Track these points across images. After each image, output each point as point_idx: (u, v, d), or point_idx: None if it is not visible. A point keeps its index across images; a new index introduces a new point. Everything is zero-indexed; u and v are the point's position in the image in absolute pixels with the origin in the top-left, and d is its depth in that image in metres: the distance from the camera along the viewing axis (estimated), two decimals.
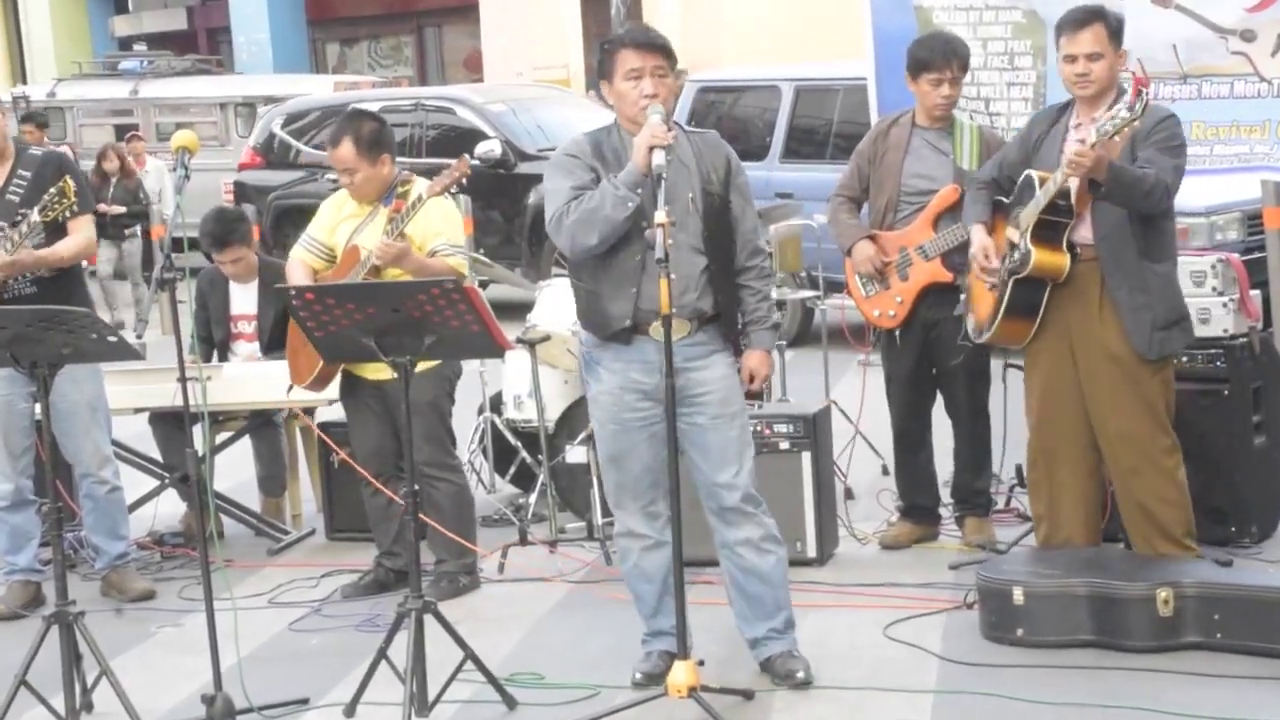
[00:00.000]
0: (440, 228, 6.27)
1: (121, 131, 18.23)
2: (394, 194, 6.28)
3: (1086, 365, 5.72)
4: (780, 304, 7.20)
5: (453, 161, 6.20)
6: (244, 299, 7.58)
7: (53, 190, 5.96)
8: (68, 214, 6.08)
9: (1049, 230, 5.63)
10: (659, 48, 5.11)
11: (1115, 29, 5.65)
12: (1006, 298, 5.75)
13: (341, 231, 6.38)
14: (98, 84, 20.58)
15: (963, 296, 6.23)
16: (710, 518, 5.30)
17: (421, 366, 6.12)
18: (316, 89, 18.20)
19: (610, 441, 5.24)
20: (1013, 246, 5.73)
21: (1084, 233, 5.65)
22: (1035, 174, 5.68)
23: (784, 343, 7.98)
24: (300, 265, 6.42)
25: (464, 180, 6.18)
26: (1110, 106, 5.59)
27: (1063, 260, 5.64)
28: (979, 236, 5.86)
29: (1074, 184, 5.55)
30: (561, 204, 5.11)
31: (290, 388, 6.59)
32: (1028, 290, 5.71)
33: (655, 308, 4.88)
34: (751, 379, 5.28)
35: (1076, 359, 5.73)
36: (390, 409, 6.28)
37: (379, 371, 6.10)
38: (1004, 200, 5.87)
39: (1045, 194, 5.58)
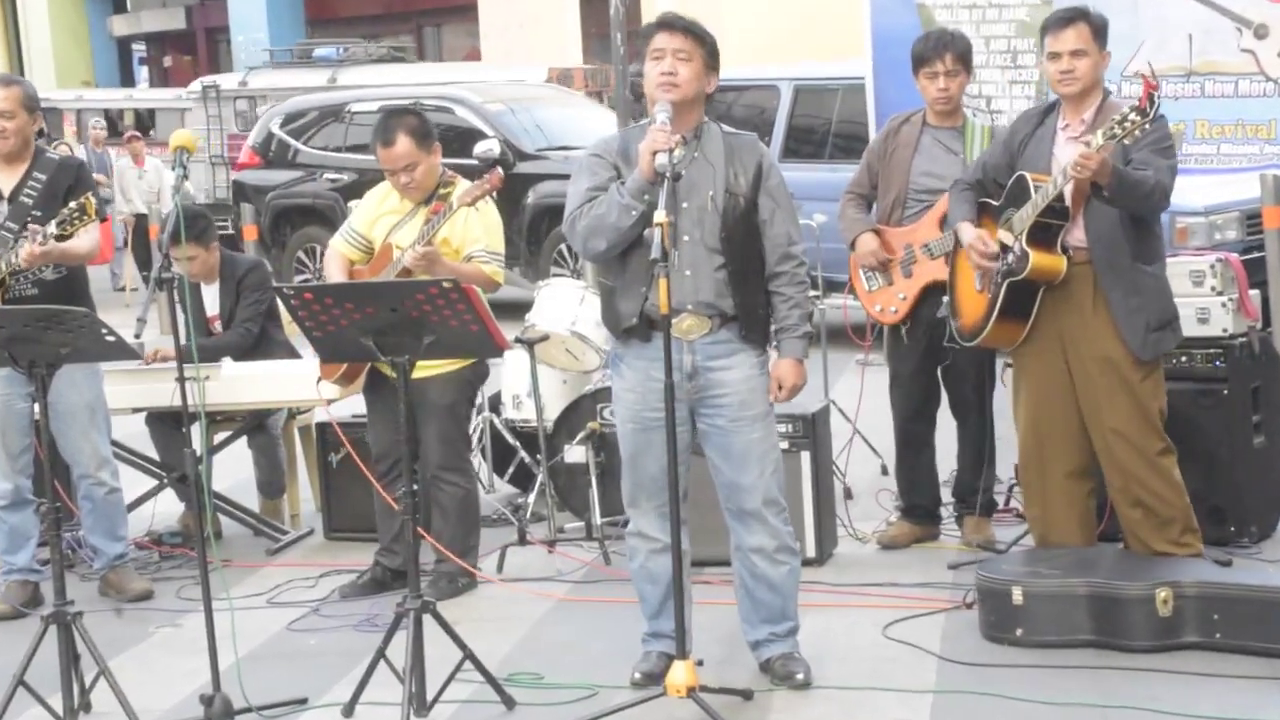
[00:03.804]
0: (479, 234, 6.23)
1: None
2: (436, 194, 6.25)
3: (1079, 368, 5.70)
4: None
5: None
6: (214, 301, 7.55)
7: (73, 205, 5.93)
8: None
9: (1044, 233, 5.61)
10: (684, 30, 5.00)
11: (1099, 29, 5.65)
12: (1000, 300, 5.72)
13: (381, 226, 6.35)
14: (292, 73, 19.70)
15: (945, 299, 6.22)
16: (728, 519, 5.26)
17: (446, 368, 6.14)
18: (520, 73, 17.49)
19: (629, 440, 5.20)
20: (1005, 249, 5.70)
21: (1077, 235, 5.64)
22: (1029, 176, 5.64)
23: None
24: (337, 256, 6.41)
25: (494, 193, 6.18)
26: (1098, 107, 5.61)
27: (1060, 263, 5.62)
28: (969, 229, 5.82)
29: (1069, 188, 5.53)
30: (575, 207, 5.08)
31: (319, 380, 6.50)
32: (1021, 293, 5.69)
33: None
34: (781, 389, 5.14)
35: (1069, 361, 5.72)
36: (410, 408, 6.28)
37: None
38: (990, 202, 5.84)
39: (1043, 196, 5.55)
